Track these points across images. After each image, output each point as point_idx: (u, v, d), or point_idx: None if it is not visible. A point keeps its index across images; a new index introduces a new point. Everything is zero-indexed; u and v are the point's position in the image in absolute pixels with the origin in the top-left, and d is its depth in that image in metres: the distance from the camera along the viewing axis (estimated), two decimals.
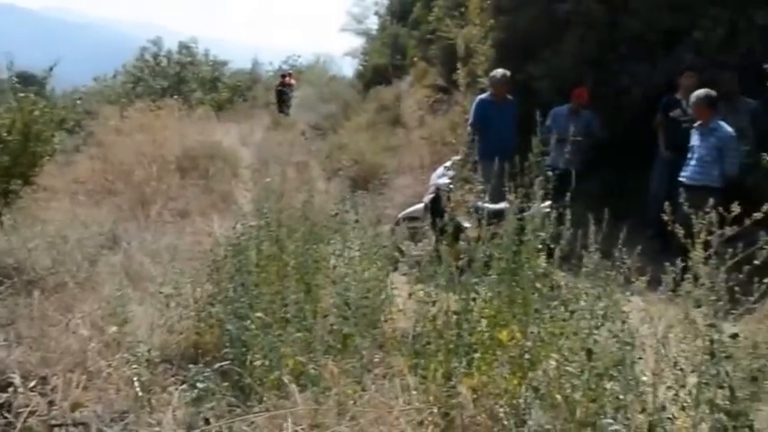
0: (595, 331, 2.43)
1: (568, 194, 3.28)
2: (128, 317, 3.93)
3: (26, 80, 14.49)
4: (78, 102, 15.99)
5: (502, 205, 4.23)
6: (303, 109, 17.62)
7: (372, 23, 21.67)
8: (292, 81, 19.86)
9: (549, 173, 3.36)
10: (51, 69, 10.87)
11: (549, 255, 3.11)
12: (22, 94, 9.83)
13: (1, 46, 11.01)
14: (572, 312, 2.64)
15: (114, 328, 3.76)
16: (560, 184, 3.40)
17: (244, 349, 3.18)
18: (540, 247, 3.09)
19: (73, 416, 3.09)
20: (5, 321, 4.34)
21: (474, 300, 2.85)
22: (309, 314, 3.27)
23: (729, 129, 5.92)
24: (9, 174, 9.33)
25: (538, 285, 2.85)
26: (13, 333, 4.14)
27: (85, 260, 5.37)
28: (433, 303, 2.89)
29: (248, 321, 3.21)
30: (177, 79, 23.51)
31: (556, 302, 2.89)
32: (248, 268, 3.61)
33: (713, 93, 5.96)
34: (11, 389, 3.29)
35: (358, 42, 22.04)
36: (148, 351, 3.46)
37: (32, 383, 3.42)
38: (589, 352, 2.36)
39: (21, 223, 6.62)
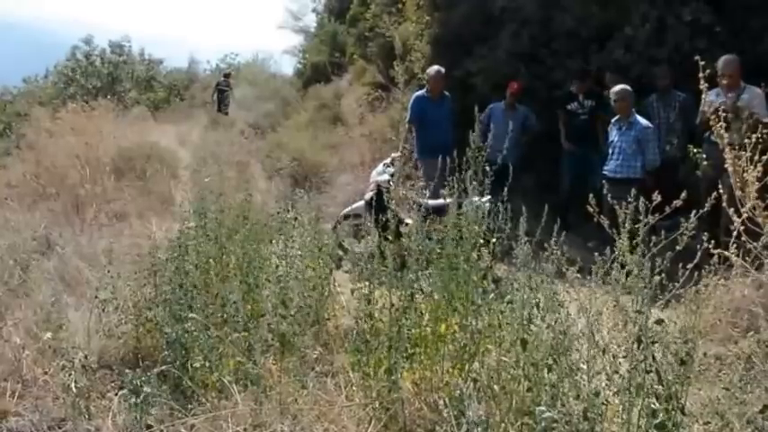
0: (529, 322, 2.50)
1: (506, 189, 3.35)
2: (64, 323, 3.85)
3: None
4: (9, 104, 15.43)
5: (441, 201, 4.28)
6: (242, 108, 17.39)
7: (311, 21, 21.49)
8: (231, 80, 19.64)
9: (487, 168, 3.43)
10: None
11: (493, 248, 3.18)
12: None
13: None
14: (509, 303, 2.70)
15: (49, 335, 3.67)
16: (498, 179, 3.48)
17: (183, 352, 3.15)
18: (481, 241, 3.16)
19: (8, 425, 3.00)
20: None
21: (413, 295, 2.89)
22: (249, 314, 3.25)
23: (646, 121, 6.20)
24: None
25: (474, 279, 2.90)
26: None
27: (18, 266, 5.20)
28: (375, 300, 2.90)
29: (187, 324, 3.17)
30: (110, 79, 22.92)
31: (494, 295, 2.95)
32: (187, 270, 3.56)
33: (629, 88, 6.22)
34: None
35: (297, 40, 21.78)
36: (85, 357, 3.37)
37: None
38: (524, 342, 2.42)
39: None
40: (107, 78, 23.00)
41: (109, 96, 15.84)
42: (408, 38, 10.04)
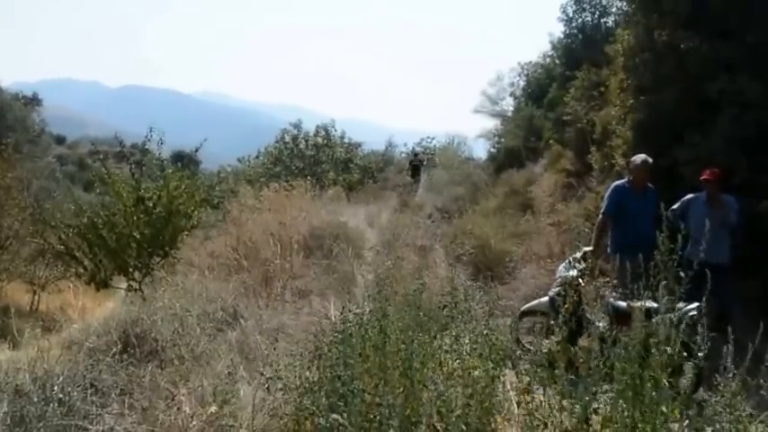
0: None
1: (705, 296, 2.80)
2: (233, 395, 3.89)
3: (180, 159, 15.82)
4: (224, 182, 17.21)
5: (625, 304, 3.78)
6: (432, 191, 17.68)
7: (507, 105, 21.65)
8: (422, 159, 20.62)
9: (696, 267, 2.90)
10: (197, 150, 11.75)
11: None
12: (170, 171, 10.58)
13: (161, 127, 12.50)
14: None
15: (214, 408, 3.71)
16: (700, 284, 2.93)
17: None
18: (682, 354, 2.62)
19: None
20: (122, 390, 4.48)
21: (587, 419, 2.43)
22: (406, 415, 2.99)
23: None
24: (152, 245, 9.96)
25: (664, 410, 2.37)
26: (127, 402, 4.25)
27: (204, 335, 5.46)
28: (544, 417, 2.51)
29: (344, 415, 3.00)
30: (312, 161, 24.67)
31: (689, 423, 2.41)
32: (350, 359, 3.42)
33: None
34: None
35: (492, 124, 21.97)
36: None
37: None
38: None
39: (153, 295, 6.95)
40: (310, 160, 24.84)
41: (309, 177, 16.98)
42: (609, 122, 9.51)
